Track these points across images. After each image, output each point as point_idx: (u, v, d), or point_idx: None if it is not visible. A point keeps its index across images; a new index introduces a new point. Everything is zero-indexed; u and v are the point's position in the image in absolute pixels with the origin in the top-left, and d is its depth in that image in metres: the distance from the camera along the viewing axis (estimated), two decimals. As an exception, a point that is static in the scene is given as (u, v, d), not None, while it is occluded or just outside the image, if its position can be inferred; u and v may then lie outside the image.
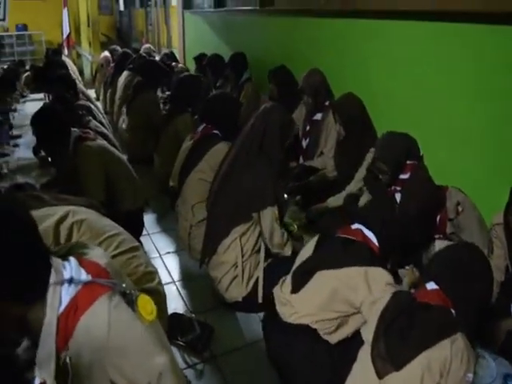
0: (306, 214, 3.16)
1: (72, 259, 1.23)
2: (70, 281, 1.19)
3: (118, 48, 8.31)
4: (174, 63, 6.44)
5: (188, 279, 2.88)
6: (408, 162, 2.50)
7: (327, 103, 3.55)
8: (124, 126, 4.89)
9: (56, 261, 1.22)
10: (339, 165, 3.32)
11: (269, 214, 2.48)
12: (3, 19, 15.52)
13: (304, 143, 3.66)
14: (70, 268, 1.21)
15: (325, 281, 2.02)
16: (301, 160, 3.70)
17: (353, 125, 3.11)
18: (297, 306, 2.04)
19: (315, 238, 2.21)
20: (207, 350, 2.29)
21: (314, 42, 4.20)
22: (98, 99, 7.15)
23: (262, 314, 2.44)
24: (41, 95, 7.92)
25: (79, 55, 13.44)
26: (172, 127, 4.03)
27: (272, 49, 4.93)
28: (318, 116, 3.60)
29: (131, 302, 1.21)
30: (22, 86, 7.53)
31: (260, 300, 2.46)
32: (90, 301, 1.18)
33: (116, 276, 1.26)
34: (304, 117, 3.71)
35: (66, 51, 12.80)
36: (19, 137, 5.90)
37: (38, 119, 2.99)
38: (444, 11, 2.82)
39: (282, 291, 2.16)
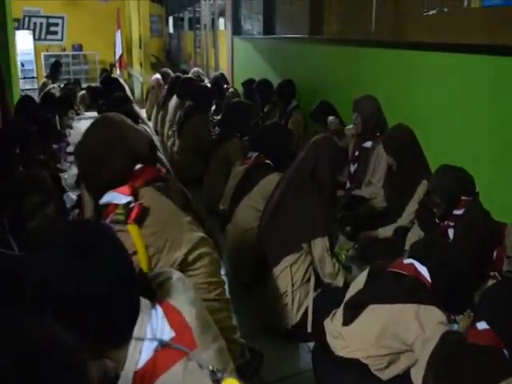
0: (355, 243, 3.12)
1: (159, 310, 1.21)
2: (153, 339, 1.17)
3: (169, 71, 8.51)
4: (225, 85, 6.53)
5: (237, 303, 2.86)
6: (463, 198, 2.44)
7: (378, 134, 3.52)
8: (175, 148, 4.98)
9: (145, 305, 1.20)
10: (389, 196, 3.27)
11: (320, 245, 2.48)
12: (61, 39, 16.21)
13: (352, 168, 3.63)
14: (156, 321, 1.19)
15: (376, 316, 1.98)
16: (347, 184, 3.67)
17: (403, 156, 3.07)
18: (348, 340, 2.01)
19: (366, 271, 2.18)
20: (257, 377, 2.27)
21: (364, 71, 4.19)
22: (149, 119, 7.31)
23: (310, 344, 2.43)
24: (94, 113, 8.19)
25: (130, 75, 13.80)
26: (221, 151, 4.09)
27: (320, 77, 4.95)
28: (368, 144, 3.57)
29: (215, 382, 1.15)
30: (78, 104, 7.77)
31: (309, 329, 2.45)
32: (168, 364, 1.14)
33: (200, 333, 1.23)
34: (354, 141, 3.69)
35: (118, 71, 13.20)
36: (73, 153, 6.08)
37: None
38: (499, 45, 2.78)
39: (333, 323, 2.13)
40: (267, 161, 3.11)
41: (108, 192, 1.78)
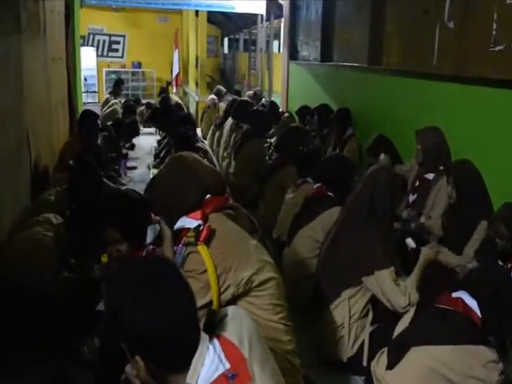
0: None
1: (216, 343, 1.27)
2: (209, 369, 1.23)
3: (223, 89, 8.68)
4: (281, 110, 6.59)
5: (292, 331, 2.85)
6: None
7: (441, 167, 3.43)
8: (231, 169, 5.04)
9: (204, 337, 1.26)
10: (446, 230, 3.18)
11: (387, 276, 2.40)
12: (121, 57, 16.81)
13: (411, 198, 3.56)
14: (213, 352, 1.24)
15: (419, 359, 1.93)
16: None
17: (466, 191, 2.97)
18: None
19: (413, 308, 2.12)
20: (310, 407, 2.24)
21: (423, 104, 4.13)
22: (204, 138, 7.44)
23: (364, 378, 2.39)
24: (152, 129, 8.41)
25: (185, 93, 14.12)
26: (277, 177, 4.12)
27: (378, 107, 4.91)
28: (430, 175, 3.49)
29: None
30: (138, 121, 8.00)
31: (365, 364, 2.40)
32: None
33: (257, 367, 1.27)
34: (415, 172, 3.62)
35: (174, 89, 13.54)
36: (135, 168, 6.26)
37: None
38: None
39: (379, 366, 2.10)
40: (329, 193, 3.08)
41: (181, 218, 1.89)
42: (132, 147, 6.61)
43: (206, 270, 1.75)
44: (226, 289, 1.82)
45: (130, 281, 1.22)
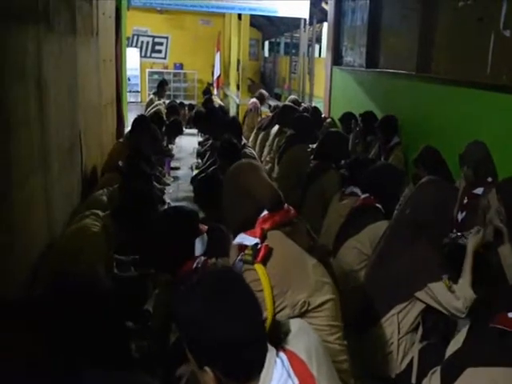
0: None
1: (284, 357, 1.25)
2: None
3: (265, 92, 8.66)
4: (323, 116, 6.52)
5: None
6: None
7: (490, 179, 3.33)
8: (274, 174, 5.01)
9: (271, 350, 1.25)
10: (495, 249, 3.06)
11: (440, 287, 2.31)
12: (164, 58, 17.05)
13: (460, 216, 3.44)
14: (281, 366, 1.23)
15: (475, 380, 1.83)
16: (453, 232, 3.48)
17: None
18: None
19: (467, 327, 2.04)
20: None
21: (475, 115, 4.01)
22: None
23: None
24: (194, 131, 8.48)
25: (226, 95, 14.19)
26: (318, 183, 4.04)
27: (426, 116, 4.80)
28: (479, 190, 3.38)
29: None
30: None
31: (414, 381, 2.32)
32: None
33: (321, 378, 1.25)
34: (463, 189, 3.51)
35: (215, 91, 13.63)
36: (178, 168, 6.31)
37: (203, 187, 3.16)
38: None
39: None
40: (377, 204, 3.00)
41: (240, 234, 1.88)
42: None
43: (262, 290, 1.71)
44: (282, 309, 1.78)
45: (201, 293, 1.22)
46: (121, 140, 4.94)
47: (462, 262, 3.12)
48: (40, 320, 1.34)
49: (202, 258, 2.19)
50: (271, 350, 1.24)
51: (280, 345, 1.29)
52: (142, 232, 3.30)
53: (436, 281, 2.32)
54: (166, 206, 4.48)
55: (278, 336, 1.33)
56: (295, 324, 1.39)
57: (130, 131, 4.93)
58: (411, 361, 2.37)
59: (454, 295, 2.30)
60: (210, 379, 1.20)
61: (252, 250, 1.77)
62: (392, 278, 2.45)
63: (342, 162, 4.12)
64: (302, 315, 1.81)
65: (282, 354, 1.25)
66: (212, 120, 5.51)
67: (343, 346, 1.94)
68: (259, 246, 1.79)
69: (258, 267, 1.75)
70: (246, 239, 1.83)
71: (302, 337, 1.33)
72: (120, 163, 3.99)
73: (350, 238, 2.95)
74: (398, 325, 2.40)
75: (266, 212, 1.91)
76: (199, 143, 7.16)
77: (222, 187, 2.97)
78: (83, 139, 3.85)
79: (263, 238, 1.84)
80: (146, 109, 8.43)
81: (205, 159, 5.74)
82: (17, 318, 1.32)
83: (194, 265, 2.18)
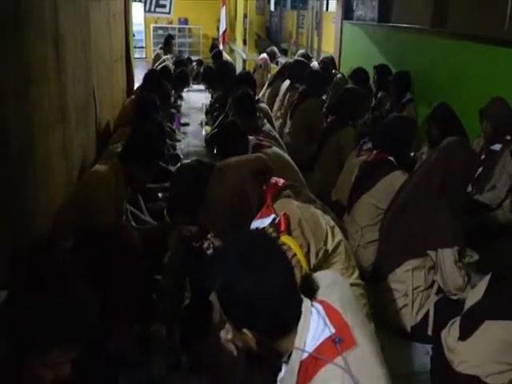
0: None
1: (319, 307, 1.26)
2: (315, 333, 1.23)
3: (276, 49, 8.45)
4: (334, 71, 6.38)
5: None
6: None
7: (508, 137, 3.28)
8: (286, 129, 4.95)
9: (306, 301, 1.27)
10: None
11: (449, 256, 2.34)
12: (168, 13, 16.50)
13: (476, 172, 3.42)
14: (317, 316, 1.24)
15: (494, 332, 1.86)
16: (469, 188, 3.46)
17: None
18: (463, 355, 1.92)
19: (486, 279, 2.05)
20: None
21: (491, 71, 3.91)
22: (253, 97, 7.33)
23: (428, 346, 2.36)
24: (201, 87, 8.32)
25: (232, 51, 13.88)
26: (334, 140, 4.00)
27: (439, 73, 4.68)
28: (497, 146, 3.34)
29: None
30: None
31: (430, 333, 2.36)
32: (329, 357, 1.19)
33: (358, 332, 1.25)
34: (481, 145, 3.47)
35: (221, 46, 13.32)
36: (187, 125, 6.24)
37: (220, 134, 3.10)
38: None
39: (450, 336, 2.04)
40: (390, 157, 2.95)
41: (252, 223, 1.88)
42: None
43: (295, 254, 1.73)
44: (309, 263, 1.80)
45: (236, 255, 1.23)
46: (132, 96, 4.85)
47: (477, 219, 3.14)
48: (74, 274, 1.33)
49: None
50: (306, 302, 1.26)
51: (314, 296, 1.30)
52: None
53: (447, 247, 2.34)
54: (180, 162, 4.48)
55: (311, 288, 1.34)
56: (327, 275, 1.41)
57: (142, 86, 4.83)
58: (427, 313, 2.40)
59: (458, 271, 2.33)
60: (249, 339, 1.22)
61: (272, 226, 1.77)
62: (410, 234, 2.45)
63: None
64: (321, 264, 1.83)
65: (316, 304, 1.26)
66: (224, 75, 5.39)
67: (362, 288, 1.99)
68: (277, 219, 1.80)
69: (285, 238, 1.76)
70: (261, 223, 1.82)
71: (335, 287, 1.34)
72: (133, 120, 3.94)
73: (364, 192, 2.94)
74: (413, 280, 2.42)
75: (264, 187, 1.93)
76: (211, 105, 6.98)
77: (243, 136, 2.95)
78: (96, 93, 3.79)
79: (274, 211, 1.85)
80: (153, 64, 8.25)
81: (215, 115, 5.62)
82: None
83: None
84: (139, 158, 2.59)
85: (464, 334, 1.96)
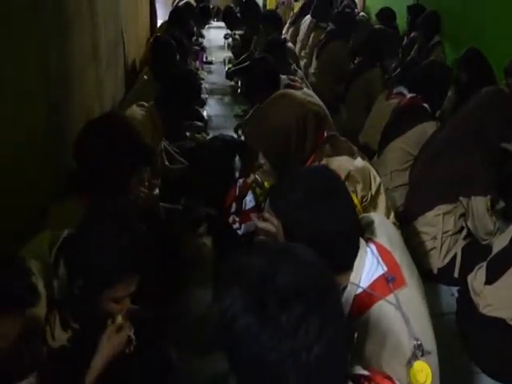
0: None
1: (372, 246, 1.29)
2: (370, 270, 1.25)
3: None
4: (356, 10, 6.12)
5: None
6: None
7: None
8: (311, 69, 4.83)
9: (362, 242, 1.29)
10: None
11: (481, 203, 2.32)
12: None
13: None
14: (371, 255, 1.27)
15: None
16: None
17: None
18: (490, 298, 1.95)
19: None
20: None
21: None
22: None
23: (454, 288, 2.41)
24: (221, 23, 8.04)
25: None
26: (361, 81, 3.90)
27: (471, 13, 4.43)
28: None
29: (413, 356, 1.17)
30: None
31: (456, 275, 2.40)
32: (383, 293, 1.22)
33: (407, 273, 1.28)
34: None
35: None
36: (211, 63, 6.10)
37: (253, 68, 3.02)
38: None
39: (476, 280, 2.06)
40: (425, 104, 2.87)
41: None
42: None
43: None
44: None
45: (304, 190, 1.23)
46: (158, 34, 4.71)
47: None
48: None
49: (240, 180, 2.22)
50: (361, 241, 1.28)
51: (365, 237, 1.32)
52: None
53: (480, 195, 2.32)
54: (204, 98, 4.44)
55: (361, 228, 1.35)
56: (375, 217, 1.41)
57: (168, 25, 4.69)
58: (454, 257, 2.42)
59: (490, 218, 2.32)
60: None
61: None
62: (442, 181, 2.43)
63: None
64: (368, 207, 1.84)
65: (370, 244, 1.29)
66: (248, 14, 5.19)
67: (398, 228, 1.92)
68: None
69: None
70: None
71: (383, 228, 1.36)
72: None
73: (396, 137, 2.89)
74: (443, 224, 2.42)
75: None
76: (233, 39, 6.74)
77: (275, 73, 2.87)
78: (124, 35, 3.71)
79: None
80: (173, 1, 7.96)
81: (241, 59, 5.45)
82: None
83: (237, 190, 2.21)
84: (177, 102, 2.57)
85: (490, 279, 1.98)
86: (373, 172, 1.91)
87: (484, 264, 2.08)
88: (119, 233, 1.21)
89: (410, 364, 1.14)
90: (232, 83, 5.14)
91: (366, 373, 0.85)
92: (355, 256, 1.25)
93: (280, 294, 0.72)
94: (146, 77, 3.42)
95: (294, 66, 3.65)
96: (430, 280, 2.47)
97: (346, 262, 1.25)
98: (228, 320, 0.74)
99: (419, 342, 1.16)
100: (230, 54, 6.10)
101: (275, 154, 1.83)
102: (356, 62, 4.37)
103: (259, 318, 0.72)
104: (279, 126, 1.78)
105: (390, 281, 1.22)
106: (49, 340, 1.18)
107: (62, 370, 1.11)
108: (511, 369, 1.90)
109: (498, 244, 2.10)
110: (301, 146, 1.81)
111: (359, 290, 1.24)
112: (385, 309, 1.20)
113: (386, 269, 1.24)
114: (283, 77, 3.02)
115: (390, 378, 0.87)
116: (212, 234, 2.43)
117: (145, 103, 2.67)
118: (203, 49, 5.93)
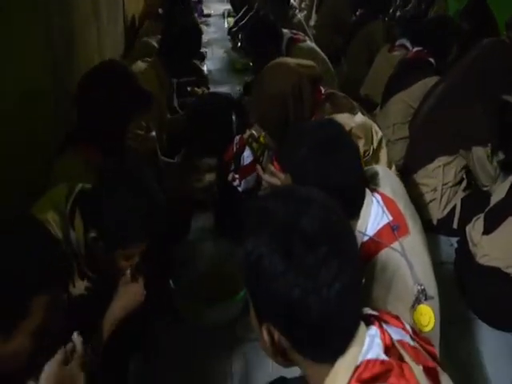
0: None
1: (377, 196, 1.31)
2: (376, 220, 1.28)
3: None
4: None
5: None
6: None
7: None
8: (312, 21, 4.72)
9: (367, 192, 1.31)
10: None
11: (481, 151, 2.33)
12: None
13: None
14: (377, 204, 1.29)
15: None
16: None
17: None
18: (487, 248, 1.99)
19: (510, 179, 2.08)
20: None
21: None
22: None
23: (453, 239, 2.44)
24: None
25: None
26: (363, 33, 3.82)
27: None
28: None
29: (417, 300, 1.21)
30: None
31: (455, 226, 2.43)
32: (388, 241, 1.25)
33: (411, 222, 1.30)
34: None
35: None
36: (209, 16, 5.95)
37: (252, 28, 2.96)
38: None
39: (474, 230, 2.10)
40: (430, 59, 2.81)
41: None
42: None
43: None
44: None
45: (311, 141, 1.24)
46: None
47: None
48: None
49: (237, 137, 2.21)
50: (367, 191, 1.31)
51: (370, 187, 1.34)
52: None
53: (481, 145, 2.32)
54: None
55: (366, 180, 1.37)
56: (379, 169, 1.43)
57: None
58: (453, 208, 2.45)
59: (491, 165, 2.34)
60: None
61: None
62: (443, 132, 2.42)
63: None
64: (371, 160, 1.85)
65: (375, 193, 1.31)
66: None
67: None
68: None
69: None
70: None
71: (387, 179, 1.38)
72: (160, 11, 3.79)
73: (400, 90, 2.85)
74: (443, 175, 2.44)
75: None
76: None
77: (276, 30, 2.81)
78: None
79: None
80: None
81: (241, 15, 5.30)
82: None
83: (234, 148, 2.21)
84: (179, 52, 2.54)
85: (488, 229, 2.02)
86: (374, 127, 1.90)
87: (482, 215, 2.11)
88: (137, 198, 1.24)
89: (413, 308, 1.19)
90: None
91: (375, 313, 0.89)
92: (361, 205, 1.28)
93: (305, 236, 0.76)
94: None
95: (293, 12, 3.56)
96: (430, 230, 2.49)
97: (353, 211, 1.27)
98: (254, 260, 0.77)
99: (422, 287, 1.20)
100: (228, 7, 5.93)
101: (275, 124, 1.87)
102: (358, 14, 4.27)
103: (285, 258, 0.75)
104: (276, 94, 1.81)
105: (394, 229, 1.25)
106: (70, 287, 1.23)
107: (81, 315, 1.16)
108: (506, 316, 1.97)
109: (496, 195, 2.12)
110: (299, 112, 1.84)
111: (366, 238, 1.27)
112: (390, 255, 1.24)
113: (391, 218, 1.27)
114: (285, 31, 2.96)
115: (397, 318, 0.91)
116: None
117: (148, 58, 2.64)
118: (200, 1, 5.76)
